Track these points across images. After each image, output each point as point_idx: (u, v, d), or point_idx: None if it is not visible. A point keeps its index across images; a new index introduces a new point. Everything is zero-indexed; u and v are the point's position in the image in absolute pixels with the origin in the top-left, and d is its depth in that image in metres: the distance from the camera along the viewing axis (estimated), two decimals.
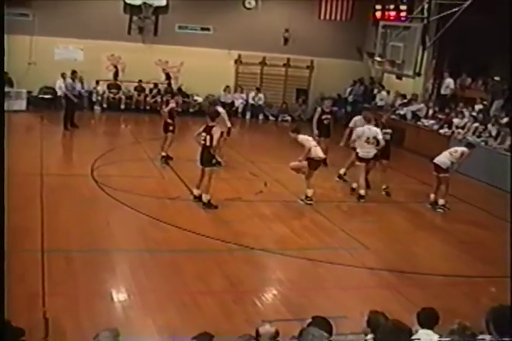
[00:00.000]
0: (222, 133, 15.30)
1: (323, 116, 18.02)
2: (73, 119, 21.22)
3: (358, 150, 15.14)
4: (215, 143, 13.21)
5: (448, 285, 10.38)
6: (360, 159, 15.12)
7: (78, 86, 23.04)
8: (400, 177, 17.92)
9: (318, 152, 14.32)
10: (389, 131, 15.69)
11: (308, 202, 14.39)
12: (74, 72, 21.84)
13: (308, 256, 11.16)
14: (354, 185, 15.49)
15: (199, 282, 9.76)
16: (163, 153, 17.12)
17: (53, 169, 15.68)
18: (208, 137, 13.23)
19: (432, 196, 15.10)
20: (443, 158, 14.75)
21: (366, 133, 15.00)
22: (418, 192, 16.16)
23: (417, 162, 19.18)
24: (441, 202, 14.92)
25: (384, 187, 15.61)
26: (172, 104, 17.30)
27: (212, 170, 13.52)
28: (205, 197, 13.52)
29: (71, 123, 21.09)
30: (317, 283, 10.26)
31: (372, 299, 9.51)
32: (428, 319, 6.42)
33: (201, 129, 13.44)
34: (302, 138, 14.39)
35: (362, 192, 14.99)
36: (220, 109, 16.83)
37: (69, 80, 21.77)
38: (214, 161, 13.54)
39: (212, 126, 13.36)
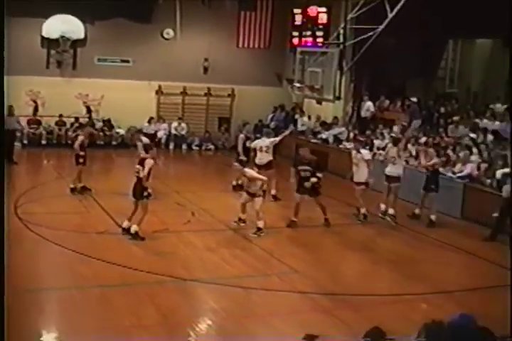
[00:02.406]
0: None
1: (247, 142, 18.15)
2: (12, 154, 20.95)
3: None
4: (145, 174, 13.15)
5: (380, 305, 10.49)
6: None
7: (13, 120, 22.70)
8: (326, 200, 18.08)
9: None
10: (307, 168, 15.30)
11: (261, 234, 14.25)
12: (11, 107, 21.51)
13: (241, 284, 11.13)
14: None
15: (131, 316, 9.61)
16: (72, 185, 17.22)
17: None
18: (141, 168, 13.18)
19: (383, 206, 15.82)
20: (394, 168, 15.64)
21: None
22: (345, 214, 16.37)
23: (341, 184, 19.41)
24: (391, 211, 15.63)
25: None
26: (81, 137, 17.41)
27: (146, 202, 13.42)
28: (133, 228, 13.37)
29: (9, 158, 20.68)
30: (251, 310, 10.23)
31: (308, 323, 9.52)
32: (376, 338, 6.47)
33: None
34: (251, 171, 14.43)
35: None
36: (144, 138, 17.07)
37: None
38: (145, 193, 13.43)
39: (146, 158, 13.31)
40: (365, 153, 16.44)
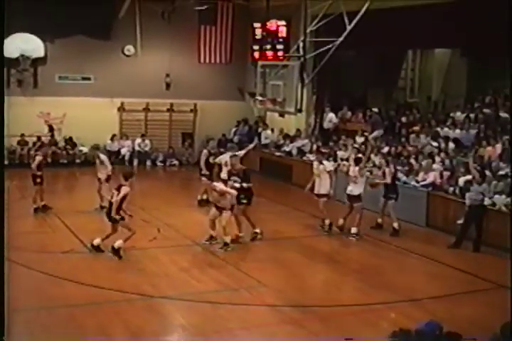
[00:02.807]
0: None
1: (211, 158, 18.13)
2: None
3: None
4: (117, 199, 13.22)
5: (348, 315, 10.54)
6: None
7: None
8: (291, 213, 18.19)
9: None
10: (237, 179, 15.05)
11: (228, 248, 14.23)
12: None
13: (209, 299, 11.12)
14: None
15: (100, 335, 9.55)
16: (34, 205, 17.24)
17: None
18: (116, 194, 13.29)
19: (341, 221, 15.87)
20: (355, 188, 15.65)
21: None
22: (310, 226, 16.43)
23: (305, 196, 19.49)
24: (353, 230, 15.57)
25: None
26: (39, 157, 17.44)
27: (123, 223, 13.40)
28: (117, 244, 13.38)
29: None
30: (220, 325, 10.20)
31: (277, 336, 9.55)
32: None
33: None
34: (221, 185, 14.32)
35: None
36: (102, 156, 17.61)
37: None
38: (118, 217, 13.38)
39: (123, 185, 13.40)
40: (328, 164, 16.55)
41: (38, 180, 17.16)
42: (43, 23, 24.35)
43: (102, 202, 17.01)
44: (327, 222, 16.04)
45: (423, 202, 17.17)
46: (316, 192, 16.11)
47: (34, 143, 25.71)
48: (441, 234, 16.02)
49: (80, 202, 17.92)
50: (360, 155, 18.49)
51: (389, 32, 20.51)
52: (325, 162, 16.47)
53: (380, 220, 16.45)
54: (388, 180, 16.17)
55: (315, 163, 16.44)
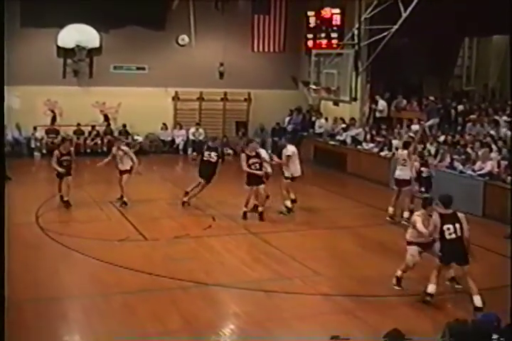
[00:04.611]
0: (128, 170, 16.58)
1: (251, 161, 15.70)
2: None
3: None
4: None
5: (403, 305, 10.45)
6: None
7: (16, 134, 22.68)
8: (346, 202, 18.09)
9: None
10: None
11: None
12: None
13: (263, 288, 11.13)
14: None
15: (155, 322, 9.64)
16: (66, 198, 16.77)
17: None
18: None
19: (391, 209, 15.80)
20: (403, 172, 15.65)
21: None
22: (365, 216, 16.31)
23: (360, 186, 19.40)
24: (405, 214, 15.48)
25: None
26: (56, 152, 16.89)
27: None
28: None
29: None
30: (274, 314, 10.20)
31: (331, 325, 9.51)
32: (396, 339, 6.47)
33: None
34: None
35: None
36: (124, 147, 17.24)
37: None
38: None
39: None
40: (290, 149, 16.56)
41: (56, 173, 16.83)
42: (98, 13, 24.59)
43: (122, 193, 16.87)
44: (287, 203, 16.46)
45: (480, 192, 16.89)
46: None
47: (90, 133, 26.06)
48: (498, 224, 15.73)
49: (135, 191, 18.05)
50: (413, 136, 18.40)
51: (445, 19, 20.22)
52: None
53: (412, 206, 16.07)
54: (414, 174, 16.10)
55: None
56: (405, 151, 15.97)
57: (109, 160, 17.19)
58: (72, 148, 17.67)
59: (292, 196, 16.61)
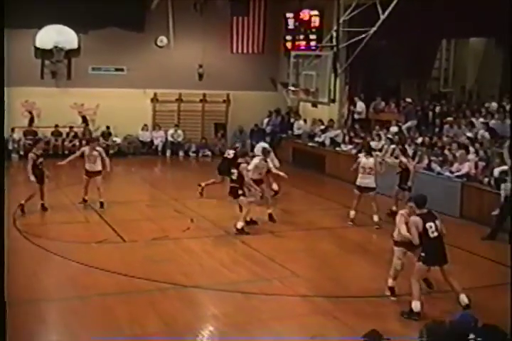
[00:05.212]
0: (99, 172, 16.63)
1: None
2: None
3: None
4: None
5: (381, 306, 10.49)
6: None
7: None
8: (324, 203, 18.14)
9: None
10: None
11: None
12: None
13: (242, 289, 11.14)
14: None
15: (133, 324, 9.62)
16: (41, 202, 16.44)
17: None
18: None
19: (352, 213, 15.77)
20: (367, 180, 15.58)
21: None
22: (343, 217, 16.32)
23: (339, 187, 19.43)
24: (375, 218, 15.60)
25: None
26: (31, 155, 16.35)
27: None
28: (239, 225, 14.36)
29: None
30: (253, 315, 10.21)
31: (310, 326, 9.55)
32: (374, 340, 6.49)
33: None
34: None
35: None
36: (99, 148, 17.24)
37: None
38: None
39: (241, 163, 14.47)
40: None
41: (32, 179, 16.16)
42: (77, 14, 24.42)
43: (100, 195, 16.73)
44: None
45: (457, 193, 17.01)
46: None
47: (68, 134, 25.95)
48: (475, 225, 15.86)
49: (114, 193, 18.00)
50: (393, 145, 18.47)
51: (423, 21, 20.33)
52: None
53: (394, 208, 16.17)
54: (411, 168, 16.20)
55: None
56: (371, 159, 15.85)
57: (71, 160, 17.15)
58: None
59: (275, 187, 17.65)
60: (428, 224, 10.03)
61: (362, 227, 15.68)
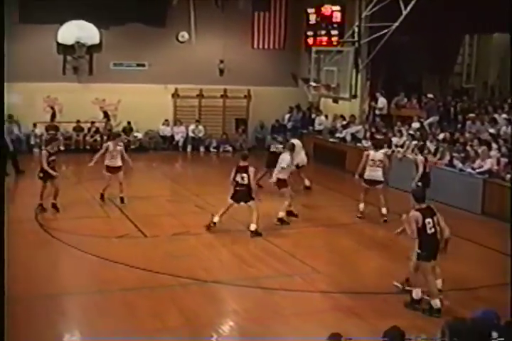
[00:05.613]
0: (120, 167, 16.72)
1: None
2: (17, 165, 20.77)
3: None
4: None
5: (402, 303, 10.43)
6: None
7: (16, 130, 22.68)
8: (345, 199, 18.10)
9: None
10: None
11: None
12: (10, 117, 21.51)
13: (262, 285, 11.15)
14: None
15: (154, 319, 9.65)
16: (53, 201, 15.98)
17: None
18: (247, 176, 14.13)
19: (362, 206, 15.96)
20: (375, 173, 15.69)
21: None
22: (363, 213, 16.26)
23: (359, 183, 19.34)
24: (383, 211, 15.64)
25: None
26: (44, 152, 15.92)
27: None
28: (252, 226, 14.18)
29: (16, 168, 20.67)
30: (273, 311, 10.22)
31: (329, 322, 9.53)
32: (395, 337, 6.43)
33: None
34: None
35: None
36: (121, 143, 17.27)
37: (6, 125, 21.38)
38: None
39: (246, 166, 14.18)
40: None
41: (41, 175, 15.88)
42: (98, 10, 24.53)
43: (122, 190, 16.76)
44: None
45: (479, 190, 16.91)
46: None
47: (89, 129, 26.06)
48: (497, 221, 15.75)
49: (135, 188, 18.05)
50: (414, 141, 18.36)
51: (445, 16, 20.21)
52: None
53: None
54: (420, 168, 16.01)
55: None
56: (380, 152, 16.00)
57: (97, 158, 16.97)
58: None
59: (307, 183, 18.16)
60: (427, 220, 10.02)
61: (382, 223, 15.60)
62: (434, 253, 10.12)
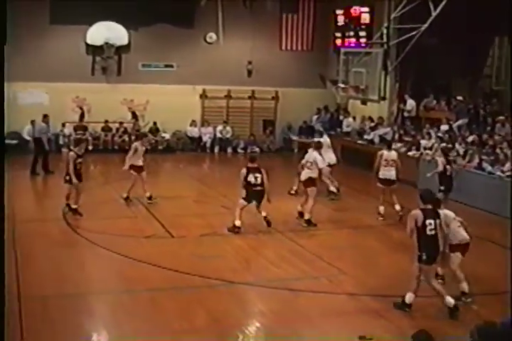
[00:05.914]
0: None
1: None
2: (47, 165, 20.93)
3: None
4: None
5: (428, 306, 10.36)
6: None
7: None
8: (372, 201, 17.98)
9: None
10: None
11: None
12: (46, 116, 21.65)
13: (289, 287, 11.12)
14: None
15: (182, 320, 9.67)
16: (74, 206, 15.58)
17: (24, 214, 15.38)
18: (260, 177, 14.50)
19: (382, 208, 16.07)
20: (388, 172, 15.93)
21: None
22: (391, 215, 16.19)
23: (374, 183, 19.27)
24: (397, 207, 15.79)
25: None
26: (72, 153, 15.56)
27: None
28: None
29: (45, 168, 20.84)
30: (300, 312, 10.20)
31: (356, 325, 9.50)
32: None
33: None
34: None
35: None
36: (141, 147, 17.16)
37: (43, 124, 21.52)
38: None
39: (258, 168, 14.57)
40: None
41: (67, 178, 15.45)
42: (127, 11, 24.72)
43: (145, 190, 16.82)
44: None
45: (508, 193, 16.74)
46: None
47: (117, 130, 26.20)
48: None
49: (162, 188, 18.12)
50: (443, 144, 18.24)
51: (475, 18, 20.05)
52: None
53: None
54: (440, 169, 15.89)
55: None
56: (393, 152, 16.25)
57: (129, 159, 16.95)
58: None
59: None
60: (428, 221, 9.95)
61: (404, 225, 15.46)
62: (434, 257, 10.07)
